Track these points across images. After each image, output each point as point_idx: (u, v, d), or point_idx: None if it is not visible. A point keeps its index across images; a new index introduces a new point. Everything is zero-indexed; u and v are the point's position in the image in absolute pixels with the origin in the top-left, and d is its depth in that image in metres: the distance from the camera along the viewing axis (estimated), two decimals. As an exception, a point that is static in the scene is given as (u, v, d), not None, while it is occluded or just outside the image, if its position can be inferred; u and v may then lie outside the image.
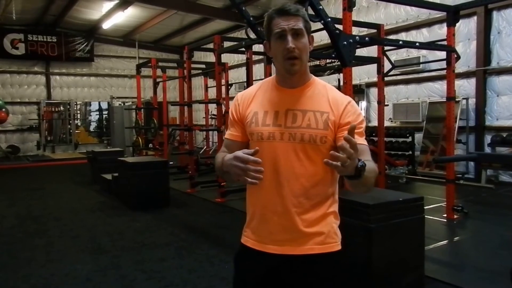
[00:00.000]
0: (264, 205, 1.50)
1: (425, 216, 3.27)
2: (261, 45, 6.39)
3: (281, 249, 1.49)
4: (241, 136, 1.58)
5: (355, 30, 6.65)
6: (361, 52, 7.59)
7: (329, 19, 3.87)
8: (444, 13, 5.46)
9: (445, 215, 5.32)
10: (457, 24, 5.48)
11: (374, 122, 8.43)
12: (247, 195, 1.60)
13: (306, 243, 1.48)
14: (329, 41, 4.05)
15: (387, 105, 8.07)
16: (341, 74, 4.43)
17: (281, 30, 1.42)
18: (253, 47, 6.63)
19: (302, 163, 1.46)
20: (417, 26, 8.91)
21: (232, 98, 2.90)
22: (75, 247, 4.55)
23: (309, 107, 1.47)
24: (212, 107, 11.66)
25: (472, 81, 8.08)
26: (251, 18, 5.05)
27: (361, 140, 1.45)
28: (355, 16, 4.64)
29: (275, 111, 1.49)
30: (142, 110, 11.08)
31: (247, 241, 1.58)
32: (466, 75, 8.12)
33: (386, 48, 6.33)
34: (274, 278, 1.53)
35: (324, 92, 1.51)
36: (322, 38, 9.74)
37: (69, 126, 15.64)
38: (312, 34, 1.49)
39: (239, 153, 1.32)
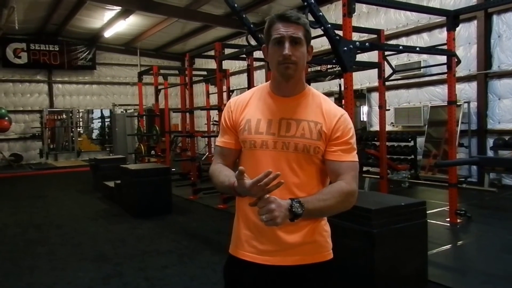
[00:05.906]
0: (254, 215, 1.41)
1: (428, 220, 3.27)
2: (262, 52, 6.40)
3: (271, 259, 1.45)
4: (235, 143, 1.54)
5: (356, 36, 6.68)
6: (361, 57, 7.62)
7: (329, 25, 3.89)
8: (444, 18, 5.47)
9: (448, 219, 5.29)
10: (457, 29, 5.51)
11: (376, 127, 8.42)
12: (236, 204, 1.56)
13: (297, 253, 1.45)
14: (330, 46, 4.07)
15: (389, 109, 8.07)
16: (342, 80, 4.44)
17: (280, 36, 1.40)
18: (254, 54, 6.66)
19: (295, 172, 1.44)
20: (418, 31, 8.93)
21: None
22: (77, 255, 4.55)
23: (303, 117, 1.46)
24: (214, 114, 11.71)
25: (474, 84, 8.09)
26: (252, 25, 5.08)
27: (348, 157, 1.44)
28: (355, 22, 4.65)
29: (268, 120, 1.47)
30: (144, 117, 11.12)
31: (236, 251, 1.53)
32: (467, 79, 8.13)
33: (386, 53, 6.34)
34: None
35: (319, 103, 1.49)
36: (322, 44, 9.79)
37: (71, 134, 15.68)
38: (311, 44, 1.46)
39: (249, 183, 1.27)
